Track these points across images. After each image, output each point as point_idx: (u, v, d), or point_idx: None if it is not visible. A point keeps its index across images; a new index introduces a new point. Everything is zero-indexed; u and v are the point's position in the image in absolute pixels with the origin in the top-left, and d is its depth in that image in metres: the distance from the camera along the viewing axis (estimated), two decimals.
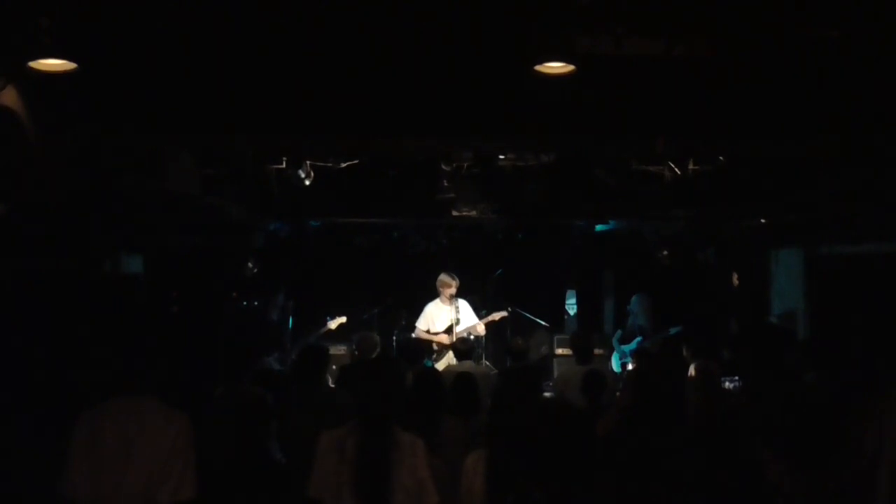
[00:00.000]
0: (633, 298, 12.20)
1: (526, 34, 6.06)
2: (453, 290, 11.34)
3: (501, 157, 9.51)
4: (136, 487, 4.58)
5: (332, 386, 7.90)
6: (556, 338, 12.93)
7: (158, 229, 9.20)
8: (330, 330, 11.28)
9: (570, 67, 6.01)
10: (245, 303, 11.80)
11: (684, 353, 8.71)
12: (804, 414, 4.96)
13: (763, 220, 10.79)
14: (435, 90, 7.03)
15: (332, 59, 6.76)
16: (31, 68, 5.69)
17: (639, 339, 11.65)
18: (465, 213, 10.65)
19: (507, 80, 6.75)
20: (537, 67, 6.01)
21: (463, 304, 11.50)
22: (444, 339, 11.15)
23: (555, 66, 6.01)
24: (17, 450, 7.05)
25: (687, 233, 11.68)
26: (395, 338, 12.47)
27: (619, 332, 12.34)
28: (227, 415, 5.77)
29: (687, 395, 5.29)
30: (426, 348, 10.81)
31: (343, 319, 11.35)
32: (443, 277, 11.38)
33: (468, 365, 9.22)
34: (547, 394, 9.92)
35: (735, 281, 12.43)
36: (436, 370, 7.85)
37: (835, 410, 5.39)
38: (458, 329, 11.24)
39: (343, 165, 9.64)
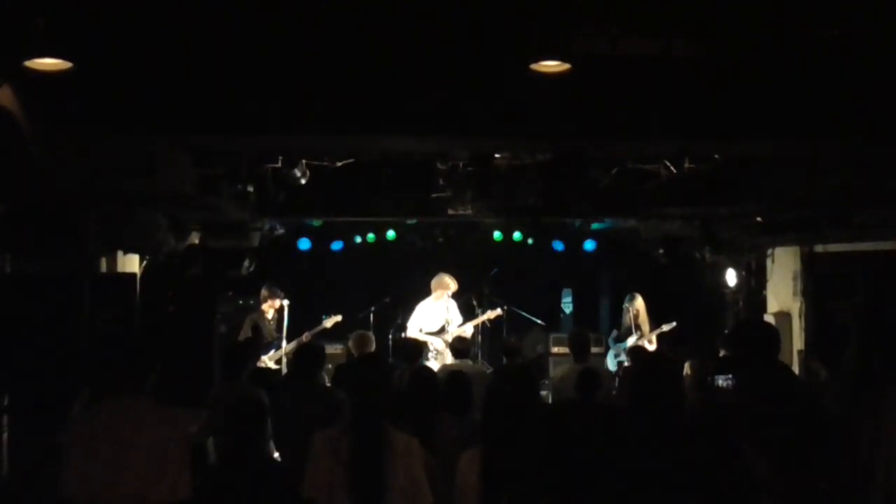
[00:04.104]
0: (628, 297, 12.20)
1: (524, 34, 6.06)
2: (451, 292, 11.39)
3: (497, 155, 9.51)
4: (131, 487, 4.58)
5: (328, 385, 7.89)
6: (551, 336, 12.96)
7: (155, 229, 9.19)
8: (326, 329, 11.28)
9: (566, 66, 6.01)
10: (241, 302, 11.80)
11: (675, 351, 8.73)
12: (794, 413, 4.96)
13: (759, 219, 10.80)
14: (432, 89, 7.02)
15: (329, 59, 6.76)
16: (28, 67, 5.68)
17: (634, 337, 11.67)
18: (460, 212, 10.65)
19: (505, 79, 6.76)
20: (534, 66, 6.01)
21: (452, 305, 11.52)
22: (441, 343, 11.16)
23: (551, 65, 6.02)
24: (14, 450, 7.06)
25: (683, 231, 11.67)
26: (391, 336, 12.48)
27: (614, 331, 12.35)
28: (222, 414, 5.76)
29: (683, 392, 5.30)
30: (424, 348, 10.82)
31: (338, 318, 11.35)
32: (444, 279, 11.39)
33: (465, 364, 9.23)
34: (543, 392, 9.94)
35: (731, 279, 12.45)
36: (431, 369, 7.86)
37: (828, 410, 5.40)
38: (451, 329, 11.26)
39: (339, 164, 9.65)
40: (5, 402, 7.21)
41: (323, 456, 4.45)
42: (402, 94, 7.05)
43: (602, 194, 10.41)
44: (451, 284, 11.40)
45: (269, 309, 11.10)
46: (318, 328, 11.17)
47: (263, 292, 11.12)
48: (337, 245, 13.73)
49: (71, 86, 6.20)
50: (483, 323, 11.88)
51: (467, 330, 11.42)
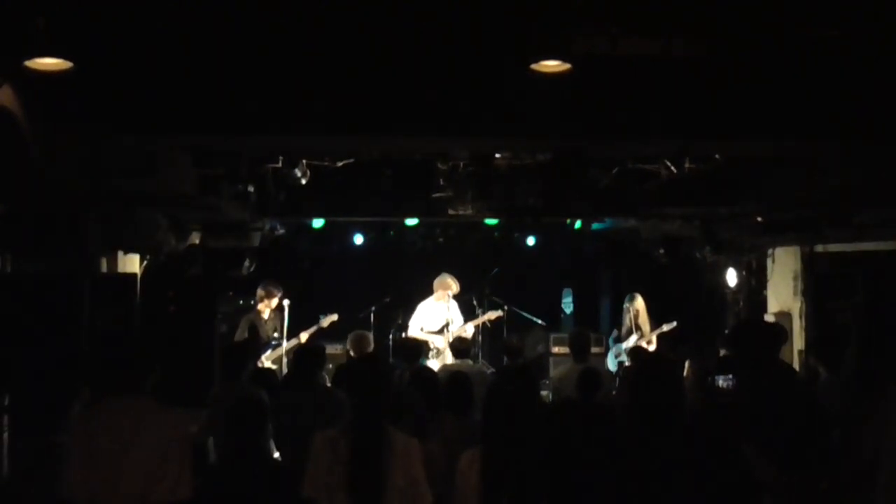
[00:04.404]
0: (628, 297, 12.21)
1: (524, 33, 6.06)
2: (453, 293, 11.43)
3: (498, 155, 9.52)
4: (132, 487, 4.58)
5: (329, 385, 7.89)
6: (552, 336, 12.96)
7: (155, 229, 9.20)
8: (322, 328, 11.28)
9: (567, 66, 6.01)
10: (241, 302, 11.80)
11: (675, 351, 8.74)
12: (795, 413, 4.96)
13: (759, 219, 10.80)
14: (432, 89, 7.02)
15: (329, 59, 6.76)
16: (28, 67, 5.68)
17: (634, 337, 11.67)
18: (461, 212, 10.66)
19: (505, 79, 6.75)
20: (534, 66, 6.01)
21: (453, 305, 11.57)
22: (441, 341, 11.19)
23: (551, 65, 6.02)
24: (14, 450, 7.05)
25: (683, 231, 11.68)
26: (391, 337, 12.48)
27: (615, 331, 12.35)
28: (222, 414, 5.76)
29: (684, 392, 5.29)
30: (424, 347, 10.84)
31: (335, 317, 11.34)
32: (447, 280, 11.44)
33: (465, 364, 9.23)
34: (543, 392, 9.94)
35: (731, 279, 12.44)
36: (431, 369, 7.86)
37: (828, 410, 5.40)
38: (452, 329, 11.28)
39: (339, 164, 9.65)
40: (5, 403, 7.20)
41: (323, 456, 4.45)
42: (403, 94, 7.04)
43: (602, 194, 10.42)
44: (453, 285, 11.46)
45: (265, 308, 11.10)
46: (314, 328, 11.17)
47: (259, 292, 11.12)
48: (338, 245, 13.73)
49: (71, 86, 6.19)
50: (483, 323, 11.90)
51: (468, 330, 11.45)
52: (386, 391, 4.73)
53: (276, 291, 11.08)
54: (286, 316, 11.13)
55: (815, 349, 7.96)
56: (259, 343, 10.65)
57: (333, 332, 11.41)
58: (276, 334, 11.03)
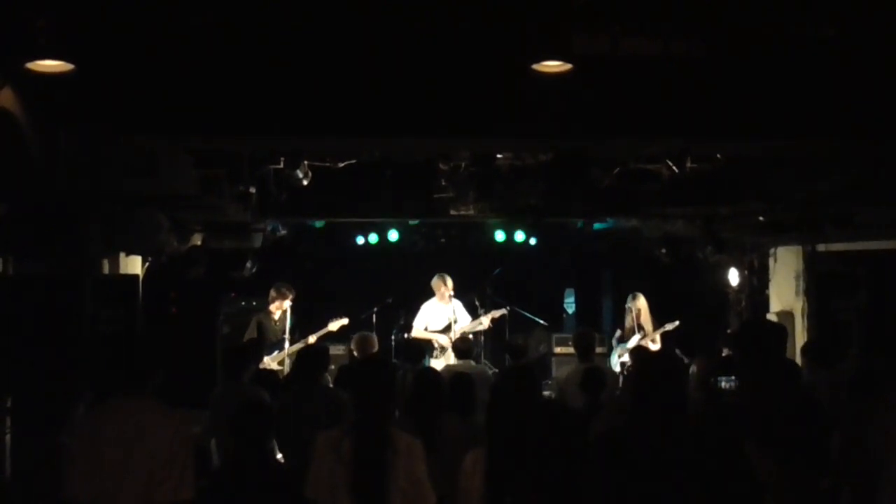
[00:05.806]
0: (630, 296, 12.19)
1: (524, 34, 6.07)
2: (450, 291, 11.42)
3: (499, 156, 9.52)
4: (134, 488, 4.57)
5: (331, 386, 7.89)
6: (554, 336, 12.95)
7: (157, 230, 9.20)
8: (331, 331, 11.27)
9: (568, 66, 6.02)
10: (244, 303, 11.80)
11: (678, 352, 8.74)
12: (797, 413, 4.95)
13: (761, 218, 10.80)
14: (433, 90, 7.03)
15: (330, 60, 6.77)
16: (29, 69, 5.69)
17: (637, 336, 11.65)
18: (462, 213, 10.66)
19: (505, 79, 6.76)
20: (535, 66, 6.02)
21: (457, 304, 11.56)
22: (445, 340, 11.20)
23: (552, 65, 6.03)
24: (17, 451, 7.06)
25: (685, 231, 11.68)
26: (393, 337, 12.48)
27: (618, 331, 12.34)
28: (225, 415, 5.76)
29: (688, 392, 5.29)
30: (426, 347, 10.84)
31: (345, 321, 11.34)
32: (436, 280, 11.44)
33: (468, 364, 9.22)
34: (546, 392, 9.94)
35: (733, 279, 12.44)
36: (435, 370, 7.85)
37: (829, 409, 5.39)
38: (456, 328, 11.28)
39: (341, 165, 9.65)
40: (8, 404, 7.21)
41: (325, 457, 4.44)
42: (404, 95, 7.05)
43: (604, 194, 10.42)
44: (441, 286, 11.42)
45: (276, 310, 11.11)
46: (324, 331, 11.17)
47: (272, 293, 11.14)
48: (339, 246, 13.74)
49: (72, 87, 6.20)
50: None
51: (484, 323, 11.53)
52: (390, 392, 4.72)
53: (288, 293, 11.08)
54: (289, 317, 11.13)
55: (819, 349, 7.94)
56: (263, 343, 10.65)
57: (337, 333, 11.41)
58: (285, 336, 11.03)
